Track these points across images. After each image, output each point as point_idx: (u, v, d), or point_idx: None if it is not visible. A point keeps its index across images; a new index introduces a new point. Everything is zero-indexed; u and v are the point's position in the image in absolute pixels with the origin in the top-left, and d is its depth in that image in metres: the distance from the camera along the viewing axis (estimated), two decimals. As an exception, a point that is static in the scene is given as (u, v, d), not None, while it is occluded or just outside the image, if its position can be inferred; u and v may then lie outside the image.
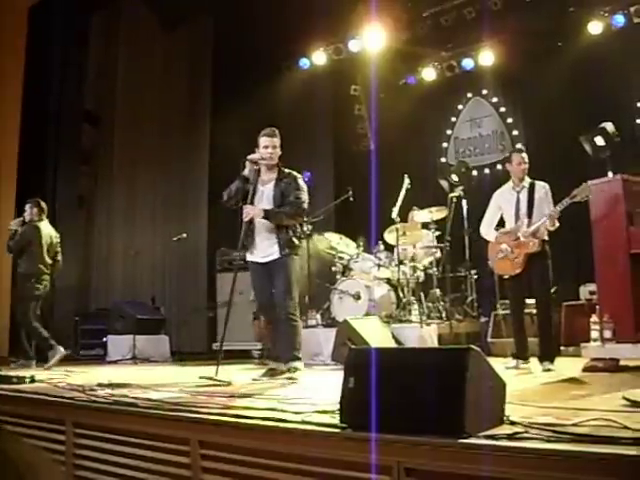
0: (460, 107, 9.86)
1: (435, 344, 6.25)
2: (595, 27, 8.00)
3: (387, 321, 6.47)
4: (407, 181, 7.15)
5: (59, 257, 6.86)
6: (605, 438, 1.96)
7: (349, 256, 7.26)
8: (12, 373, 4.87)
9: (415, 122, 9.51)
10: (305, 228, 5.53)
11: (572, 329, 6.00)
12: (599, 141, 7.15)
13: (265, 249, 4.58)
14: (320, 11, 8.64)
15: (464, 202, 7.55)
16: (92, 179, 9.96)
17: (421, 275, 7.16)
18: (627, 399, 2.71)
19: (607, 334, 4.58)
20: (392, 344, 5.91)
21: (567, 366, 4.72)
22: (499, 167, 9.02)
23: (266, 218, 4.51)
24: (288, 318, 4.50)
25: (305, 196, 4.61)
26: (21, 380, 4.41)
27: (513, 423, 2.27)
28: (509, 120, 9.36)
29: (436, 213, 7.46)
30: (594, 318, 4.74)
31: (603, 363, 4.44)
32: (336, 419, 2.42)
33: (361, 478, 2.23)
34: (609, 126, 7.17)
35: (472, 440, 2.06)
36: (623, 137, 7.25)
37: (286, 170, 4.68)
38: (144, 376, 5.13)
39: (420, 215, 7.47)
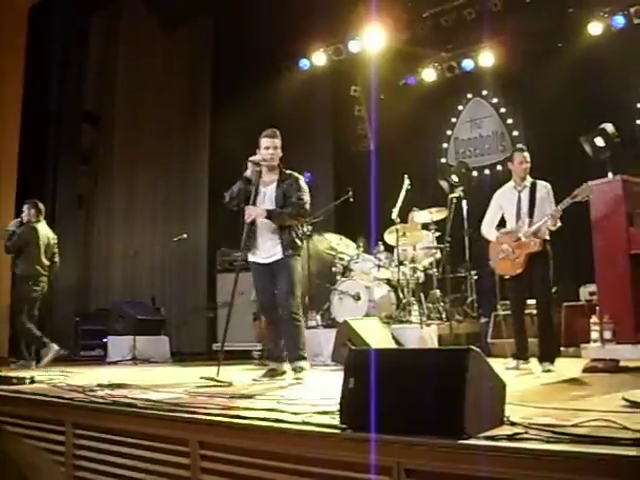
0: (460, 108, 9.86)
1: (435, 345, 6.25)
2: (595, 28, 8.01)
3: (387, 322, 6.47)
4: (407, 182, 7.15)
5: (56, 258, 6.86)
6: (605, 439, 1.96)
7: (349, 257, 7.26)
8: (12, 374, 4.86)
9: (415, 123, 9.51)
10: (305, 229, 5.53)
11: (572, 330, 6.00)
12: (599, 142, 7.16)
13: (268, 250, 4.58)
14: (320, 11, 8.65)
15: (464, 203, 7.55)
16: (92, 179, 9.96)
17: (421, 276, 7.16)
18: (627, 400, 2.71)
19: (607, 335, 4.59)
20: (392, 345, 5.90)
21: (567, 367, 4.72)
22: (499, 168, 9.03)
23: (269, 218, 4.51)
24: (292, 318, 4.51)
25: (307, 197, 4.61)
26: (21, 381, 4.41)
27: (513, 424, 2.27)
28: (509, 121, 9.37)
29: (436, 214, 7.46)
30: (594, 319, 4.74)
31: (603, 364, 4.44)
32: (336, 420, 2.42)
33: (361, 479, 2.23)
34: (609, 127, 7.18)
35: (472, 441, 2.06)
36: (623, 138, 7.26)
37: (287, 171, 4.68)
38: (144, 377, 5.13)
39: (420, 216, 7.47)
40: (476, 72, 9.29)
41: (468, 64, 9.27)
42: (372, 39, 9.00)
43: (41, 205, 6.83)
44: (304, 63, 9.86)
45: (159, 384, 4.23)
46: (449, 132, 9.92)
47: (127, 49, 9.92)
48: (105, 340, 7.93)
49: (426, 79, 9.64)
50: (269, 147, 4.58)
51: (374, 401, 2.23)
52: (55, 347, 6.34)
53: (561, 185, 5.05)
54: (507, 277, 5.20)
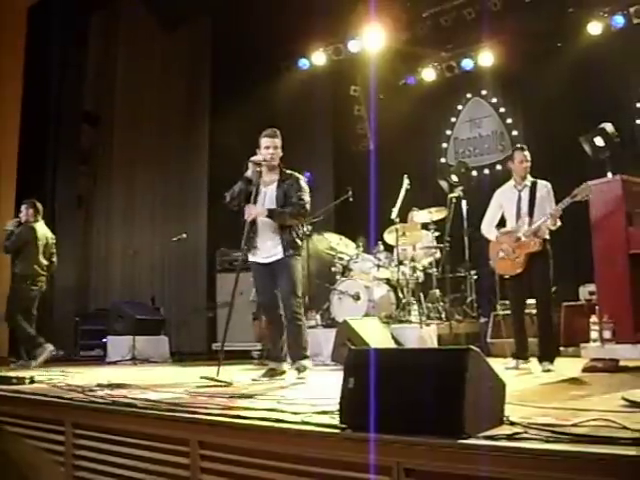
0: (460, 107, 9.87)
1: (435, 345, 6.25)
2: (595, 28, 8.01)
3: (387, 322, 6.47)
4: (407, 181, 7.15)
5: (54, 258, 6.87)
6: (604, 438, 1.96)
7: (349, 256, 7.26)
8: (12, 374, 4.86)
9: (415, 122, 9.51)
10: (305, 229, 5.53)
11: (572, 329, 6.00)
12: (599, 142, 7.15)
13: (269, 249, 4.58)
14: (320, 11, 8.65)
15: (464, 202, 7.55)
16: (91, 179, 9.95)
17: (421, 275, 7.16)
18: (626, 399, 2.71)
19: (607, 334, 4.59)
20: (392, 345, 5.91)
21: (567, 366, 4.72)
22: (499, 167, 9.03)
23: (270, 217, 4.52)
24: (294, 317, 4.51)
25: (307, 197, 4.62)
26: (21, 381, 4.41)
27: (512, 423, 2.27)
28: (509, 120, 9.38)
29: (436, 213, 7.47)
30: (594, 318, 4.74)
31: (603, 363, 4.44)
32: (336, 419, 2.42)
33: (360, 479, 2.23)
34: (609, 127, 7.17)
35: (471, 440, 2.06)
36: (622, 138, 7.25)
37: (288, 171, 4.68)
38: (144, 377, 5.13)
39: (420, 215, 7.48)
40: (476, 72, 9.29)
41: (468, 64, 9.27)
42: (372, 39, 9.00)
43: (39, 205, 6.83)
44: (304, 63, 9.85)
45: (159, 384, 4.23)
46: (449, 132, 9.92)
47: (126, 49, 9.91)
48: (105, 340, 7.93)
49: (426, 79, 9.64)
50: (269, 147, 4.59)
51: (374, 401, 2.23)
52: (50, 347, 6.33)
53: (561, 185, 5.06)
54: (507, 277, 5.21)
